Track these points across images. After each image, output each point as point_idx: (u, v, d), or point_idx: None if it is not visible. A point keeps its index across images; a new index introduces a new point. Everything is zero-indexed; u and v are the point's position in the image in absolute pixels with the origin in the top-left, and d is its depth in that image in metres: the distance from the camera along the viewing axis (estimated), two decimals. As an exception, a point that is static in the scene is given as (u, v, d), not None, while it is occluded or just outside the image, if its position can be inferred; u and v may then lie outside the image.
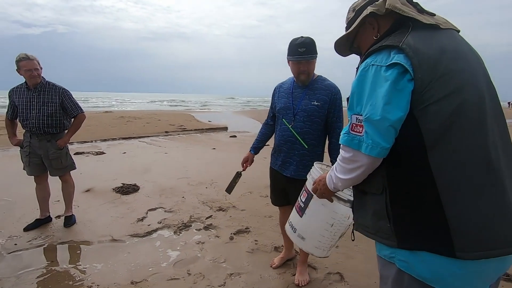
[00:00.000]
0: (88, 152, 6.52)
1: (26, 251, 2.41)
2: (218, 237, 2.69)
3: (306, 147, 1.83)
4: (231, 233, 2.74)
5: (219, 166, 5.37)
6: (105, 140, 8.58)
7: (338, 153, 1.79)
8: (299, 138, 1.81)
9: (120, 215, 3.12)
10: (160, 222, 2.98)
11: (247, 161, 2.15)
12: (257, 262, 2.27)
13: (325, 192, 1.13)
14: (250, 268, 2.19)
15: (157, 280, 2.05)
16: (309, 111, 1.79)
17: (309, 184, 1.41)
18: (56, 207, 3.15)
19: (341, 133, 0.94)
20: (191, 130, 11.21)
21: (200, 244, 2.56)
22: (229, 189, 2.23)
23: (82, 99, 47.97)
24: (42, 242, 2.55)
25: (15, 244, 2.50)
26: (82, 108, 2.84)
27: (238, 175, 2.21)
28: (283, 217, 2.18)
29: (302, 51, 1.70)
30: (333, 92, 1.81)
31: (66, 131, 2.81)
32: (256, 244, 2.55)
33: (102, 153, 6.54)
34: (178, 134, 10.33)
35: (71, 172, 2.93)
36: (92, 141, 8.35)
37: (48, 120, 2.65)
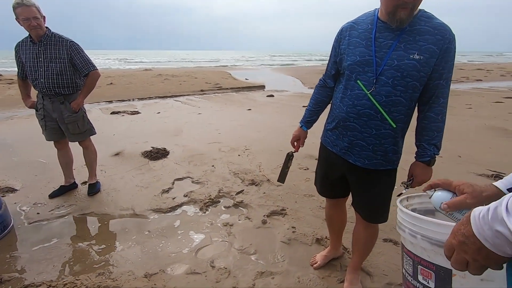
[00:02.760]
0: (124, 112, 6.45)
1: (46, 223, 2.26)
2: (249, 218, 2.30)
3: (394, 126, 1.21)
4: (264, 215, 2.33)
5: (254, 130, 4.90)
6: (142, 99, 8.52)
7: (436, 136, 1.18)
8: (383, 112, 1.18)
9: (145, 185, 2.87)
10: (186, 195, 2.67)
11: (299, 140, 1.60)
12: (294, 258, 1.86)
13: (485, 258, 0.52)
14: (285, 266, 1.78)
15: (175, 272, 1.74)
16: (404, 69, 1.12)
17: (419, 250, 0.89)
18: (84, 172, 2.99)
19: None
20: (227, 88, 10.73)
21: (228, 227, 2.20)
22: (282, 178, 1.70)
23: (120, 57, 49.54)
24: (64, 213, 2.39)
25: (38, 213, 2.37)
26: (95, 65, 2.45)
27: (289, 158, 1.68)
28: (332, 210, 1.67)
29: None
30: (446, 39, 1.10)
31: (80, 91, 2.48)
32: (293, 232, 2.11)
33: (137, 112, 6.43)
34: (214, 93, 9.94)
35: (92, 137, 2.68)
36: (129, 100, 8.34)
37: (58, 79, 2.31)
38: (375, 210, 1.37)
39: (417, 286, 0.91)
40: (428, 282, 0.87)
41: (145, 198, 2.61)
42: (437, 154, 1.23)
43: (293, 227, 2.17)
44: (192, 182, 2.95)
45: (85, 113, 2.56)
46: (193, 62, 34.24)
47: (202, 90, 10.14)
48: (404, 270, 1.01)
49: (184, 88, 10.42)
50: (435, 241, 0.79)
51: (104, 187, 2.81)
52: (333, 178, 1.48)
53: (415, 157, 1.27)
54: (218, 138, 4.44)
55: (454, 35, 1.11)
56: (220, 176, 3.06)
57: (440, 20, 1.13)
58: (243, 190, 2.75)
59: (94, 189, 2.70)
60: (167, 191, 2.76)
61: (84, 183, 2.87)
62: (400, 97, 1.16)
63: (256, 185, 2.84)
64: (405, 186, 1.29)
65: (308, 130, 1.58)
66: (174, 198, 2.61)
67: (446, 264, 0.76)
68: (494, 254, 0.51)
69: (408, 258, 0.95)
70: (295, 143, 1.61)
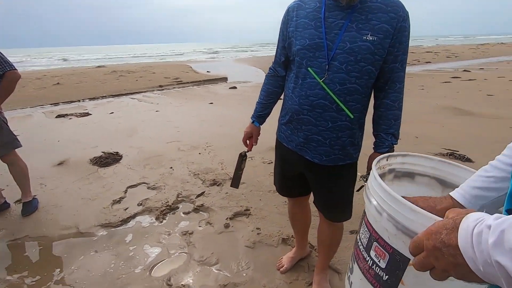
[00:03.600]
0: (72, 114, 5.84)
1: (-34, 255, 1.90)
2: (210, 224, 2.12)
3: (352, 116, 1.08)
4: (227, 218, 2.16)
5: (216, 125, 4.68)
6: (93, 98, 7.83)
7: (394, 124, 1.06)
8: (339, 102, 1.05)
9: (93, 196, 2.56)
10: (141, 204, 2.41)
11: (251, 137, 1.43)
12: (259, 263, 1.72)
13: (460, 274, 0.42)
14: (250, 274, 1.64)
15: (125, 297, 1.53)
16: (358, 52, 0.99)
17: (381, 229, 0.71)
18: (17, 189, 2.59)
19: None
20: (188, 82, 10.27)
21: (188, 235, 2.00)
22: (235, 182, 1.51)
23: (71, 54, 45.91)
24: (-10, 240, 2.03)
25: (-44, 245, 1.99)
26: (12, 64, 2.06)
27: (242, 158, 1.48)
28: (294, 209, 1.55)
29: None
30: (400, 17, 0.99)
31: (-4, 96, 2.08)
32: (258, 234, 1.98)
33: (87, 114, 5.86)
34: (174, 88, 9.45)
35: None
36: (79, 101, 7.62)
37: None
38: (338, 208, 1.26)
39: (366, 259, 0.78)
40: (379, 261, 0.74)
41: (92, 212, 2.31)
42: (395, 144, 1.14)
43: (257, 228, 2.03)
44: (148, 188, 2.69)
45: (5, 122, 2.17)
46: (151, 56, 32.57)
47: (160, 86, 9.60)
48: (358, 237, 0.88)
49: (140, 84, 9.78)
50: (402, 228, 0.66)
51: (42, 204, 2.45)
52: (292, 176, 1.34)
53: (373, 147, 1.17)
54: (178, 136, 4.16)
55: (407, 12, 1.00)
56: (179, 178, 2.83)
57: None
58: (204, 192, 2.56)
59: (29, 208, 2.33)
60: (118, 201, 2.47)
61: (19, 201, 2.48)
62: (355, 84, 1.04)
63: (218, 185, 2.66)
64: (365, 179, 1.19)
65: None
66: (126, 209, 2.35)
67: (406, 252, 0.63)
68: (475, 276, 0.39)
69: (366, 229, 0.82)
70: (247, 142, 1.45)
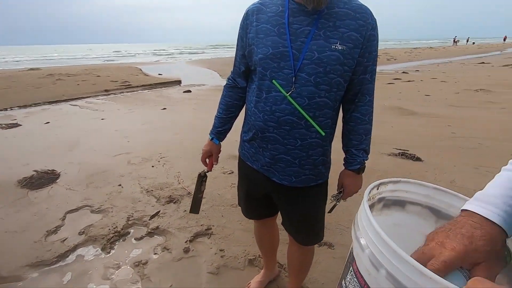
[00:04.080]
0: (-4, 126, 5.01)
1: None
2: (167, 249, 1.89)
3: (323, 133, 0.98)
4: (186, 241, 1.95)
5: (171, 132, 4.37)
6: (24, 106, 6.86)
7: (365, 139, 0.95)
8: (308, 118, 0.94)
9: (21, 228, 2.14)
10: (83, 232, 2.08)
11: (211, 156, 1.28)
12: (225, 291, 1.56)
13: None
14: (215, 306, 1.47)
15: None
16: (327, 63, 0.89)
17: (369, 277, 0.57)
18: None
19: None
20: (138, 86, 9.61)
21: (141, 266, 1.75)
22: (195, 207, 1.35)
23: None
24: None
25: None
26: None
27: (202, 179, 1.32)
28: (261, 231, 1.42)
29: None
30: (368, 24, 0.91)
31: None
32: (222, 257, 1.81)
33: (16, 125, 5.08)
34: (121, 92, 8.75)
35: None
36: (5, 109, 6.61)
37: None
38: (309, 232, 1.16)
39: None
40: None
41: (19, 249, 1.92)
42: (367, 160, 1.07)
43: (221, 250, 1.86)
44: (92, 212, 2.34)
45: None
46: (96, 58, 30.08)
47: (106, 90, 8.82)
48: (344, 284, 0.77)
49: (83, 89, 8.88)
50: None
51: (-49, 244, 1.98)
52: (258, 197, 1.21)
53: (343, 164, 1.09)
54: (127, 147, 3.78)
55: (376, 20, 0.93)
56: (129, 197, 2.53)
57: (359, 1, 0.93)
58: (159, 211, 2.30)
59: None
60: (54, 231, 2.10)
61: None
62: (325, 98, 0.94)
63: (175, 203, 2.42)
64: (336, 199, 1.11)
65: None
66: (64, 240, 2.00)
67: None
68: None
69: (356, 280, 0.71)
70: (207, 160, 1.28)
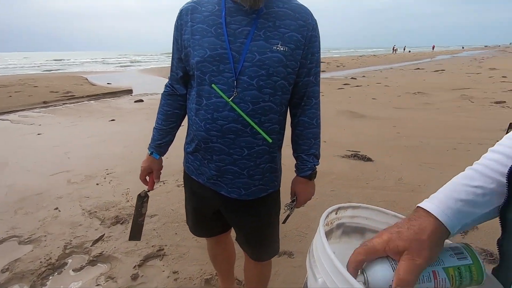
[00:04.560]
0: None
1: None
2: (112, 279, 1.68)
3: (270, 140, 0.91)
4: (135, 266, 1.76)
5: (120, 145, 4.04)
6: None
7: (314, 144, 0.92)
8: (254, 124, 0.87)
9: None
10: (7, 268, 1.76)
11: (151, 173, 1.14)
12: (179, 319, 1.41)
13: None
14: None
15: None
16: (269, 64, 0.84)
17: None
18: None
19: None
20: (83, 97, 8.85)
21: (79, 302, 1.52)
22: (136, 234, 1.19)
23: None
24: None
25: None
26: None
27: (142, 201, 1.17)
28: (215, 249, 1.31)
29: None
30: (309, 25, 0.87)
31: None
32: (176, 280, 1.65)
33: None
34: (63, 104, 7.98)
35: None
36: None
37: None
38: (263, 247, 1.09)
39: None
40: None
41: None
42: (318, 165, 1.04)
43: (174, 272, 1.70)
44: (20, 243, 2.01)
45: None
46: (33, 67, 27.31)
47: (45, 102, 7.97)
48: None
49: (16, 101, 7.91)
50: None
51: None
52: (207, 214, 1.11)
53: (295, 171, 1.05)
54: (67, 164, 3.39)
55: (316, 20, 0.91)
56: (68, 222, 2.23)
57: (298, 1, 0.90)
58: (103, 235, 2.06)
59: None
60: (-32, 272, 1.75)
61: None
62: (269, 102, 0.88)
63: (122, 223, 2.19)
64: (289, 208, 1.05)
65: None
66: (-19, 282, 1.67)
67: None
68: None
69: None
70: (147, 178, 1.15)
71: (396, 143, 3.94)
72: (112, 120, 5.70)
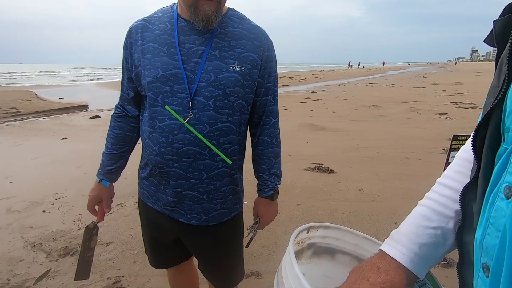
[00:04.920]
0: None
1: None
2: (58, 321, 1.48)
3: (230, 162, 0.88)
4: (87, 303, 1.58)
5: (72, 166, 3.72)
6: None
7: (275, 163, 0.91)
8: (212, 146, 0.83)
9: None
10: None
11: (101, 202, 1.05)
12: None
13: None
14: None
15: None
16: (226, 84, 0.82)
17: None
18: None
19: None
20: (29, 113, 8.10)
21: None
22: (83, 271, 1.06)
23: None
24: None
25: None
26: None
27: (91, 233, 1.05)
28: (177, 279, 1.22)
29: None
30: (264, 45, 0.88)
31: None
32: (133, 315, 1.51)
33: None
34: (6, 121, 7.21)
35: None
36: None
37: None
38: (227, 273, 1.04)
39: None
40: None
41: None
42: (279, 184, 1.03)
43: (133, 306, 1.56)
44: None
45: None
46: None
47: (-17, 120, 7.14)
48: None
49: None
50: None
51: None
52: (166, 243, 1.03)
53: (257, 191, 1.03)
54: (8, 190, 3.02)
55: (271, 41, 0.92)
56: (5, 258, 1.95)
57: (253, 22, 0.90)
58: (50, 270, 1.83)
59: None
60: None
61: None
62: (228, 123, 0.86)
63: (72, 255, 1.98)
64: (253, 231, 1.02)
65: None
66: None
67: None
68: None
69: None
70: (97, 208, 1.04)
71: (355, 155, 4.14)
72: (63, 138, 5.27)
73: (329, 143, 4.75)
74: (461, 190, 0.43)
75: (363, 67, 62.21)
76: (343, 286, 0.46)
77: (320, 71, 38.86)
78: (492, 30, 0.39)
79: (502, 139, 0.36)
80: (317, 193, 2.91)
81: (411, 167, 3.57)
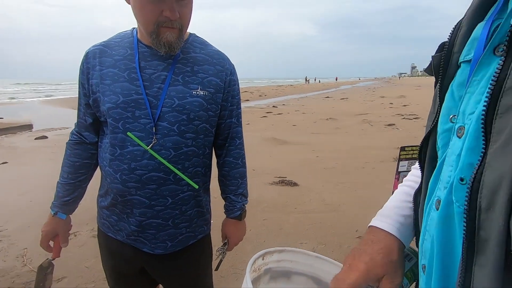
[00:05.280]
0: None
1: None
2: None
3: (196, 187, 0.87)
4: None
5: (13, 194, 3.34)
6: None
7: (241, 183, 0.93)
8: (177, 171, 0.82)
9: None
10: None
11: (57, 236, 0.95)
12: None
13: None
14: None
15: None
16: (190, 109, 0.82)
17: None
18: None
19: None
20: (-40, 136, 7.15)
21: None
22: None
23: None
24: None
25: None
26: None
27: (45, 272, 0.95)
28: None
29: None
30: (227, 70, 0.90)
31: None
32: None
33: None
34: None
35: None
36: None
37: None
38: (197, 300, 1.00)
39: None
40: None
41: None
42: (246, 203, 1.04)
43: None
44: None
45: None
46: None
47: None
48: None
49: None
50: None
51: None
52: (130, 275, 0.97)
53: (224, 212, 1.03)
54: None
55: (233, 65, 0.95)
56: None
57: (215, 47, 0.93)
58: (-13, 317, 1.60)
59: None
60: None
61: None
62: (192, 147, 0.86)
63: (15, 297, 1.75)
64: (222, 253, 1.01)
65: None
66: None
67: None
68: None
69: None
70: (51, 244, 0.95)
71: (316, 166, 4.32)
72: (3, 163, 4.72)
73: (291, 156, 4.90)
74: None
75: (319, 81, 65.96)
76: (345, 265, 0.49)
77: (280, 86, 40.28)
78: (430, 63, 0.46)
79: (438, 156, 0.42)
80: (283, 207, 2.96)
81: (367, 176, 3.82)
